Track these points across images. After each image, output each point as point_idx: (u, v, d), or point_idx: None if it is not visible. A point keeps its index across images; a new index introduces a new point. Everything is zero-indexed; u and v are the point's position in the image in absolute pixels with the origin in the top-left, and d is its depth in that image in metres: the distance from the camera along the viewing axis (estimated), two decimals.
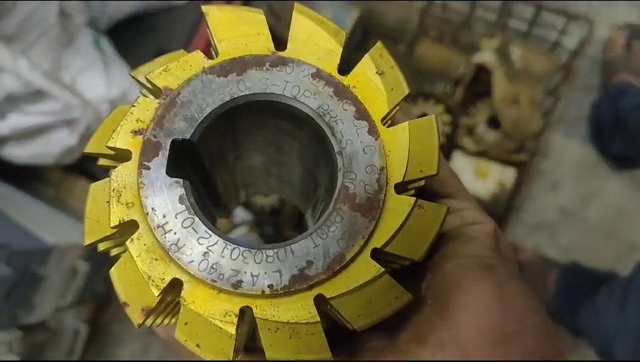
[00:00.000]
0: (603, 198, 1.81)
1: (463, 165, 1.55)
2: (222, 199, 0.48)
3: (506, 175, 1.54)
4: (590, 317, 1.49)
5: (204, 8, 0.39)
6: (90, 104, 1.48)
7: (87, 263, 1.50)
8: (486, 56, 1.54)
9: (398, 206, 0.35)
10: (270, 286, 0.33)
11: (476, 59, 1.55)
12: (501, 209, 1.54)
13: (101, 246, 0.38)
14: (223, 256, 0.33)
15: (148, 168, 0.35)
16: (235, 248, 0.34)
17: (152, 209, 0.34)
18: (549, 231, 1.80)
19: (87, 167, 1.67)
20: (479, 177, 1.54)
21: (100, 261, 1.56)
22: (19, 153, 1.54)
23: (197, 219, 0.34)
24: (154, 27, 1.69)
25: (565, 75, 1.53)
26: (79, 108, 1.47)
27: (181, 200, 0.34)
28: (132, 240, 0.34)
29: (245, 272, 0.33)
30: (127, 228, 0.34)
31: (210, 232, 0.34)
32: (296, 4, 0.39)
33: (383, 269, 0.34)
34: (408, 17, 1.66)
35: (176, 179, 0.35)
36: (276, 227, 1.56)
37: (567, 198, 1.82)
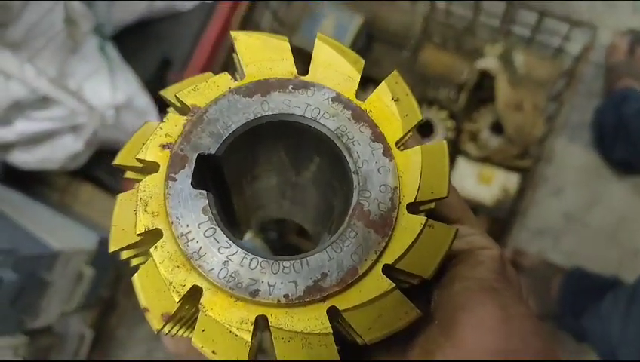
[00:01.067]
0: (606, 204, 1.82)
1: (466, 171, 1.56)
2: (237, 219, 0.50)
3: (510, 180, 1.54)
4: (594, 322, 1.49)
5: (233, 34, 0.41)
6: (95, 110, 1.48)
7: (93, 268, 1.51)
8: (489, 62, 1.54)
9: (410, 224, 0.37)
10: (286, 296, 0.34)
11: (480, 65, 1.55)
12: (505, 214, 1.54)
13: (124, 255, 0.40)
14: (242, 266, 0.35)
15: (174, 180, 0.37)
16: (253, 258, 0.35)
17: (177, 218, 0.36)
18: (553, 236, 1.81)
19: (93, 173, 1.68)
20: (483, 183, 1.54)
21: (105, 266, 1.57)
22: (25, 158, 1.55)
23: (218, 229, 0.36)
24: (159, 33, 1.70)
25: (568, 81, 1.53)
26: (85, 114, 1.47)
27: (204, 211, 0.36)
28: (156, 247, 0.35)
29: (262, 282, 0.34)
30: (152, 236, 0.36)
31: (230, 242, 0.35)
32: (319, 34, 0.41)
33: (394, 285, 0.35)
34: (412, 23, 1.66)
35: (200, 191, 0.36)
36: (280, 232, 1.57)
37: (570, 204, 1.82)
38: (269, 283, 0.34)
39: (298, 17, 1.62)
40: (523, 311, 0.36)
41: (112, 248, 0.37)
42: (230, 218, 0.48)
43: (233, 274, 0.35)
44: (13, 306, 1.27)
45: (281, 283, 0.34)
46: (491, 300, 0.35)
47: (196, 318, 0.35)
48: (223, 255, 0.35)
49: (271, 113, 0.39)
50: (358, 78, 0.40)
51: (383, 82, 0.40)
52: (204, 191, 0.36)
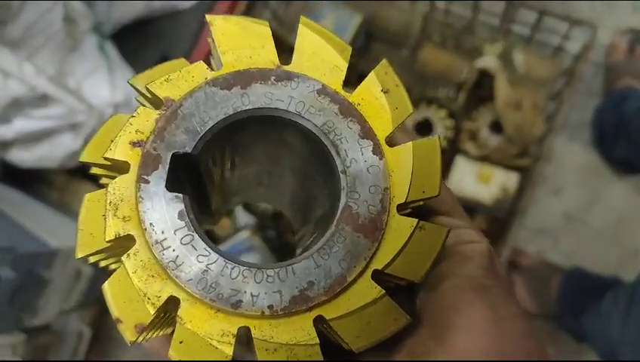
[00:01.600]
0: (606, 203, 1.81)
1: (465, 170, 1.55)
2: (211, 208, 0.47)
3: (509, 180, 1.54)
4: (594, 322, 1.49)
5: (209, 18, 0.38)
6: (94, 108, 1.48)
7: (91, 267, 1.50)
8: (489, 60, 1.54)
9: (400, 227, 0.35)
10: (270, 306, 0.32)
11: (479, 64, 1.55)
12: (504, 214, 1.54)
13: (92, 259, 0.37)
14: (223, 275, 0.33)
15: (147, 182, 0.34)
16: (235, 267, 0.33)
17: (151, 224, 0.33)
18: (552, 236, 1.80)
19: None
20: (482, 182, 1.54)
21: None
22: (24, 157, 1.55)
23: (196, 236, 0.33)
24: (158, 32, 1.70)
25: (568, 80, 1.53)
26: (84, 113, 1.47)
27: (181, 215, 0.34)
28: (128, 255, 0.33)
29: (245, 292, 0.32)
30: (123, 242, 0.34)
31: (209, 250, 0.33)
32: (302, 18, 0.39)
33: (384, 291, 0.33)
34: (411, 22, 1.66)
35: (176, 194, 0.34)
36: (278, 231, 1.57)
37: (570, 203, 1.82)
38: (252, 294, 0.32)
39: (297, 16, 1.61)
40: (514, 310, 0.35)
41: (78, 254, 0.34)
42: (204, 209, 0.45)
43: (213, 285, 0.32)
44: (12, 304, 1.27)
45: (265, 293, 0.32)
46: (481, 300, 0.34)
47: (172, 319, 0.33)
48: (201, 263, 0.33)
49: (252, 107, 0.36)
50: (345, 67, 0.38)
51: (372, 72, 0.38)
52: (180, 195, 0.34)
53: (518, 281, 1.70)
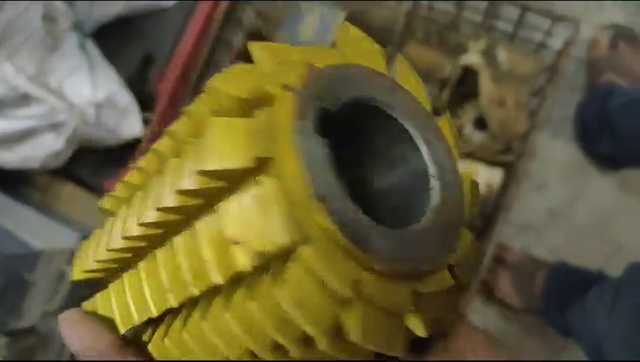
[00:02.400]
0: (590, 199, 1.82)
1: None
2: None
3: (494, 176, 1.55)
4: (580, 317, 1.49)
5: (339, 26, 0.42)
6: (75, 107, 1.47)
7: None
8: (472, 57, 1.54)
9: (464, 233, 0.38)
10: (390, 259, 0.33)
11: (463, 61, 1.55)
12: (489, 209, 1.54)
13: (201, 182, 0.33)
14: (358, 220, 0.33)
15: (302, 119, 0.34)
16: (366, 218, 0.33)
17: (301, 153, 0.32)
18: (537, 231, 1.81)
19: (75, 172, 1.66)
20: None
21: None
22: (6, 158, 1.53)
23: (338, 180, 0.33)
24: (141, 30, 1.68)
25: (550, 76, 1.54)
26: (65, 112, 1.46)
27: (326, 158, 0.33)
28: (269, 175, 0.32)
29: (372, 241, 0.33)
30: (257, 169, 0.32)
31: (347, 196, 0.33)
32: (399, 56, 0.44)
33: (454, 281, 0.36)
34: (396, 18, 1.66)
35: (324, 139, 0.34)
36: None
37: (554, 199, 1.83)
38: (377, 246, 0.32)
39: (282, 13, 1.61)
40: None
41: (209, 165, 0.31)
42: None
43: (349, 224, 0.32)
44: None
45: (387, 248, 0.33)
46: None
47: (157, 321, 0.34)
48: (339, 205, 0.32)
49: (373, 97, 0.39)
50: (430, 108, 0.43)
51: (445, 116, 0.43)
52: (327, 141, 0.34)
53: (504, 277, 1.71)
